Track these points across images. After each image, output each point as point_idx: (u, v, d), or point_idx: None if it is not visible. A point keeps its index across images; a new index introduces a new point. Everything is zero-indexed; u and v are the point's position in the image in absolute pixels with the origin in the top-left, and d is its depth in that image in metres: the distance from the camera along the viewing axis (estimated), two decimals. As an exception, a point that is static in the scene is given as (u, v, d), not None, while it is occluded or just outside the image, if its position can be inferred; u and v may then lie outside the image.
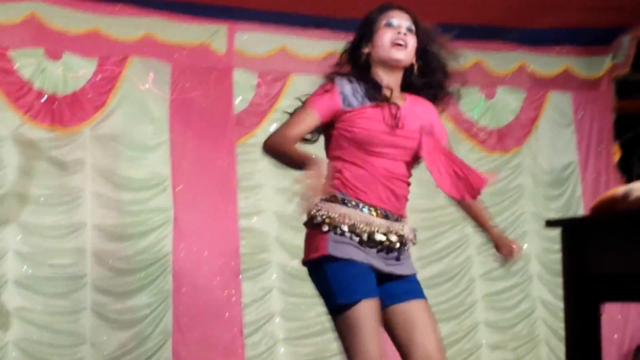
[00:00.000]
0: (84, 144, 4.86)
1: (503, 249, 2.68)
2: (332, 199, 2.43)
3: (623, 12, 5.73)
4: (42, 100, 4.82)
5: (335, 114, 2.46)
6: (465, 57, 5.93)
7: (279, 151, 2.42)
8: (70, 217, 4.81)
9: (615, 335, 5.93)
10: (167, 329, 4.96)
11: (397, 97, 2.56)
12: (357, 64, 2.54)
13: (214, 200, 5.14)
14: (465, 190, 2.55)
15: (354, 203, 2.42)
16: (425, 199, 5.76)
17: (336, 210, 2.40)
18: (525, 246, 5.96)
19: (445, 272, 5.75)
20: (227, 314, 5.07)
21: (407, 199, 2.56)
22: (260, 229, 5.25)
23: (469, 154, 5.95)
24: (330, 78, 2.50)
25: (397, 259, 2.48)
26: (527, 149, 6.11)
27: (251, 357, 5.11)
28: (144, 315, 4.91)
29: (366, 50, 2.53)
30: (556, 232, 5.43)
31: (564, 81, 6.27)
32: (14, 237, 4.66)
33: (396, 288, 2.46)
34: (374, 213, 2.42)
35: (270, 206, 5.25)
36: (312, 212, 2.42)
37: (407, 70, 2.59)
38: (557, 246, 6.52)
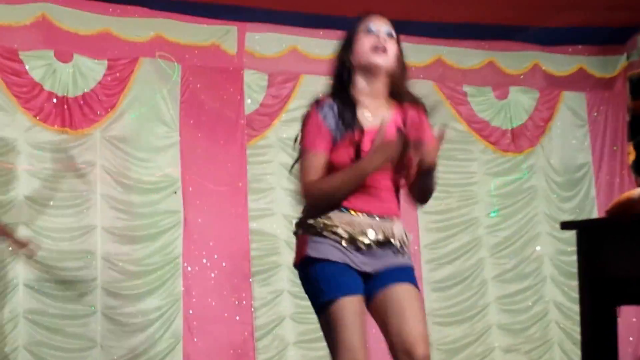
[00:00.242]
0: (94, 146, 4.85)
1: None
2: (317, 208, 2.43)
3: (637, 11, 5.67)
4: (53, 102, 4.81)
5: (331, 146, 2.43)
6: (478, 56, 5.99)
7: (324, 193, 2.37)
8: (80, 219, 4.80)
9: (631, 338, 5.87)
10: (177, 332, 4.95)
11: (382, 105, 2.50)
12: (339, 77, 2.52)
13: (224, 202, 5.12)
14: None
15: (343, 209, 2.40)
16: (437, 200, 5.73)
17: (318, 216, 2.40)
18: (538, 248, 5.94)
19: (457, 274, 5.72)
20: (237, 317, 5.06)
21: (395, 203, 2.48)
22: (270, 232, 5.22)
23: (482, 154, 5.92)
24: (310, 109, 2.47)
25: (389, 255, 2.43)
26: (540, 150, 6.07)
27: (262, 360, 5.10)
28: (155, 318, 4.90)
29: (347, 59, 2.51)
30: (570, 234, 5.34)
31: (578, 81, 6.23)
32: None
33: (384, 276, 2.40)
34: (357, 214, 2.40)
35: (281, 208, 5.22)
36: (297, 221, 2.45)
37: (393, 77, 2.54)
38: (571, 248, 6.51)
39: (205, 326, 4.99)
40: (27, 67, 4.76)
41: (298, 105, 5.03)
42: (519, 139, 6.03)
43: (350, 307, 2.30)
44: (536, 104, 6.10)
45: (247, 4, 5.21)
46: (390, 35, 2.51)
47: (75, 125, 4.84)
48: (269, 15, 5.32)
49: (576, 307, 5.77)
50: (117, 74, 5.00)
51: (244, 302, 5.06)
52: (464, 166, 5.87)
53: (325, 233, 2.37)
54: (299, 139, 2.48)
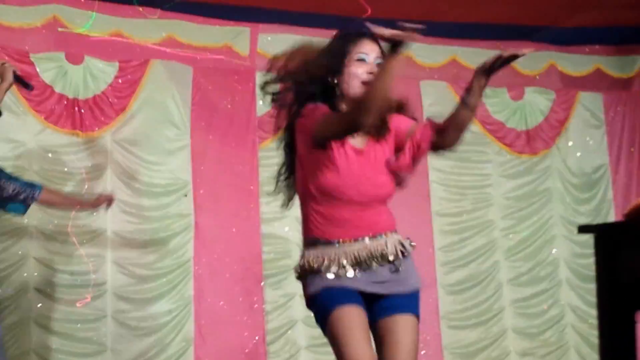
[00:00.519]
0: (104, 149, 4.82)
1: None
2: (306, 243, 2.53)
3: (656, 11, 5.61)
4: (64, 104, 4.79)
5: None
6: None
7: (332, 123, 2.41)
8: (90, 223, 4.77)
9: (649, 343, 5.79)
10: (188, 336, 4.91)
11: (359, 135, 2.53)
12: (324, 92, 2.53)
13: (235, 205, 5.09)
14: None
15: (322, 241, 2.48)
16: (451, 203, 5.69)
17: (310, 255, 2.49)
18: (554, 251, 5.88)
19: (472, 277, 5.67)
20: (249, 320, 5.02)
21: (384, 218, 2.53)
22: (282, 235, 5.19)
23: (497, 156, 5.87)
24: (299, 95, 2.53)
25: (388, 275, 2.48)
26: (556, 151, 6.02)
27: (273, 364, 5.06)
28: (165, 322, 4.87)
29: (335, 81, 2.53)
30: (586, 237, 5.28)
31: (594, 81, 6.18)
32: (35, 244, 4.63)
33: (386, 303, 2.47)
34: (345, 242, 2.47)
35: (293, 211, 5.13)
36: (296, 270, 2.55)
37: None
38: (587, 251, 6.43)
39: (217, 330, 4.96)
40: (38, 70, 4.74)
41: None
42: (535, 141, 5.98)
43: (349, 315, 2.36)
44: (552, 104, 6.06)
45: (259, 4, 5.18)
46: (378, 63, 2.51)
47: (86, 127, 4.82)
48: (282, 16, 5.29)
49: (592, 311, 5.75)
50: (128, 76, 4.97)
51: (256, 306, 5.02)
52: (478, 168, 5.83)
53: (321, 272, 2.44)
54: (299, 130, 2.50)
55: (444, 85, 5.71)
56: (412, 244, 2.57)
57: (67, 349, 4.64)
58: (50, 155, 4.72)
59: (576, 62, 6.14)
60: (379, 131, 2.54)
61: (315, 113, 2.47)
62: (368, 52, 2.52)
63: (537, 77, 6.06)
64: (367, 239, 2.47)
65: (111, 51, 4.95)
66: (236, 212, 5.08)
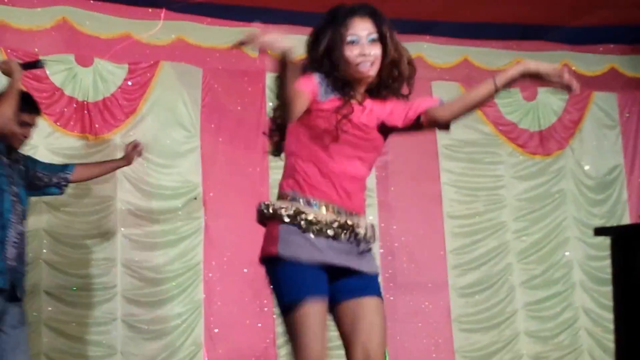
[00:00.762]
0: (114, 152, 4.79)
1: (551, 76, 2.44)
2: (283, 196, 2.50)
3: (671, 9, 5.55)
4: (73, 107, 4.78)
5: (312, 101, 2.47)
6: (506, 57, 5.90)
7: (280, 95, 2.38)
8: (100, 226, 4.76)
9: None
10: (198, 340, 4.89)
11: (360, 100, 2.56)
12: (324, 68, 2.52)
13: (246, 208, 5.00)
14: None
15: (304, 200, 2.46)
16: (463, 205, 5.65)
17: (288, 205, 2.46)
18: (567, 253, 5.84)
19: (484, 280, 5.63)
20: (259, 324, 5.00)
21: (362, 197, 2.58)
22: (292, 238, 5.14)
23: (510, 157, 5.83)
24: (305, 70, 2.50)
25: (355, 253, 2.51)
26: (570, 152, 5.96)
27: (284, 368, 5.03)
28: (175, 325, 4.84)
29: (331, 62, 2.52)
30: (600, 239, 5.21)
31: (609, 81, 6.12)
32: (44, 247, 4.62)
33: (351, 283, 2.49)
34: (325, 208, 2.46)
35: (303, 215, 5.15)
36: (262, 208, 2.50)
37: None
38: (601, 253, 6.37)
39: (227, 333, 4.94)
40: (47, 72, 4.72)
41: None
42: (548, 141, 5.93)
43: (315, 312, 2.37)
44: (565, 105, 6.00)
45: (268, 5, 5.15)
46: (372, 40, 2.51)
47: (96, 130, 4.81)
48: (292, 17, 5.25)
49: (606, 314, 5.71)
50: (138, 78, 4.96)
51: (266, 309, 4.99)
52: (490, 169, 5.78)
53: (297, 225, 2.40)
54: None
55: (455, 86, 5.66)
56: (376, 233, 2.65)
57: (77, 351, 4.63)
58: (59, 158, 4.71)
59: (590, 62, 6.08)
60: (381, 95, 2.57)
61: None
62: (358, 32, 2.50)
63: (551, 77, 6.01)
64: (346, 211, 2.48)
65: (121, 53, 4.94)
66: (246, 215, 4.98)
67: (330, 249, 2.44)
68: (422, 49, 5.69)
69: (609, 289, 4.92)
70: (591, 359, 5.75)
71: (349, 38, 2.49)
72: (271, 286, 2.48)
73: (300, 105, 2.39)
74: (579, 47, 6.02)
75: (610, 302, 5.35)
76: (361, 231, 2.50)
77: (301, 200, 2.45)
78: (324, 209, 2.45)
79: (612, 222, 5.84)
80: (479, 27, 5.68)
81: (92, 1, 4.92)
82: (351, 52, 2.49)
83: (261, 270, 5.11)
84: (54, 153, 4.68)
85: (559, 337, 5.73)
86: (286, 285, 2.41)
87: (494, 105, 5.84)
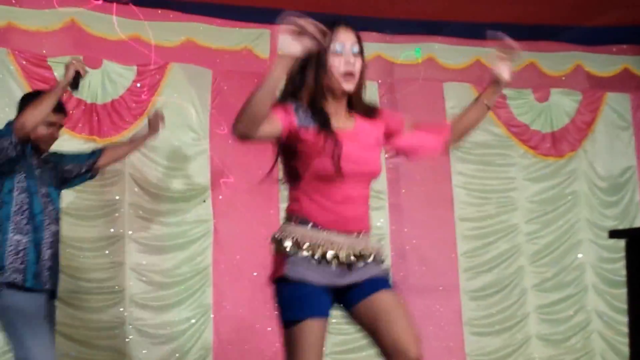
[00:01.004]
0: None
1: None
2: (291, 220, 2.51)
3: (685, 9, 5.49)
4: (82, 109, 4.76)
5: (292, 130, 2.44)
6: (518, 57, 5.85)
7: (243, 109, 2.31)
8: (108, 229, 4.73)
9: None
10: (207, 344, 4.86)
11: (345, 119, 2.54)
12: (304, 87, 2.49)
13: (255, 210, 5.03)
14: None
15: (311, 224, 2.47)
16: (475, 207, 5.61)
17: (295, 231, 2.47)
18: (579, 255, 5.79)
19: (496, 283, 5.59)
20: (269, 327, 4.96)
21: (365, 217, 2.57)
22: (303, 240, 5.12)
23: (521, 159, 5.79)
24: (280, 100, 2.48)
25: (362, 267, 2.52)
26: (582, 154, 5.92)
27: (294, 372, 4.99)
28: (184, 329, 4.82)
29: (313, 75, 2.48)
30: (613, 241, 5.13)
31: (622, 81, 6.09)
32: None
33: (361, 288, 2.50)
34: (331, 233, 2.48)
35: (314, 217, 5.11)
36: (275, 234, 2.52)
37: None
38: (614, 255, 6.30)
39: (236, 337, 4.91)
40: (55, 74, 4.70)
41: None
42: (560, 143, 5.89)
43: (314, 330, 2.41)
44: (578, 106, 5.96)
45: (279, 6, 5.10)
46: (355, 53, 2.49)
47: (104, 133, 4.78)
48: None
49: (619, 317, 5.65)
50: (147, 80, 4.93)
51: (276, 313, 4.95)
52: (502, 171, 5.75)
53: (303, 251, 2.43)
54: None
55: (467, 87, 5.62)
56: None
57: (86, 356, 4.61)
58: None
59: (603, 62, 6.04)
60: (367, 112, 2.57)
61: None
62: (343, 42, 2.48)
63: (563, 77, 5.98)
64: (353, 235, 2.49)
65: (129, 54, 4.91)
66: (256, 218, 5.01)
67: (335, 272, 2.47)
68: (433, 50, 5.65)
69: (622, 292, 4.87)
70: (603, 362, 5.72)
71: (335, 47, 2.46)
72: (277, 302, 2.51)
73: (266, 129, 2.34)
74: (592, 47, 5.99)
75: (623, 305, 5.33)
76: (369, 258, 2.51)
77: (307, 225, 2.46)
78: (327, 234, 2.45)
79: (625, 224, 5.80)
80: (491, 28, 5.61)
81: (100, 2, 4.89)
82: (336, 63, 2.46)
83: (271, 274, 5.11)
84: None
85: (571, 340, 5.68)
86: (289, 304, 2.46)
87: (506, 107, 5.79)
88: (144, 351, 4.71)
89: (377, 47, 5.47)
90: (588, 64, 6.00)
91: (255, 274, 4.93)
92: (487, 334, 5.52)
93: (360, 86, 2.55)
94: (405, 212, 5.43)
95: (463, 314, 5.47)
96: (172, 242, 4.86)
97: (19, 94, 4.62)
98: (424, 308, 5.28)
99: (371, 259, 2.52)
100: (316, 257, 2.43)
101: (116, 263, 4.73)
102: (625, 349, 5.59)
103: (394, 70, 5.56)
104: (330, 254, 2.44)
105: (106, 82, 4.84)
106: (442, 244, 5.46)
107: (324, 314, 2.46)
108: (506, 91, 5.83)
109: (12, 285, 3.32)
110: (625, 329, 5.47)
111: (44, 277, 3.41)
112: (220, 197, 5.01)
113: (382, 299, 2.46)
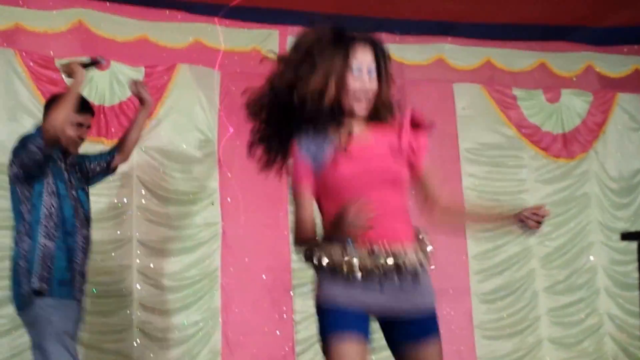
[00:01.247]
0: (130, 157, 4.73)
1: (529, 218, 2.43)
2: (325, 238, 2.43)
3: (697, 9, 5.44)
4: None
5: (313, 173, 2.46)
6: (529, 58, 5.82)
7: (309, 239, 2.43)
8: (115, 232, 4.70)
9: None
10: (216, 348, 4.83)
11: (360, 130, 2.47)
12: (316, 106, 2.42)
13: (264, 213, 5.00)
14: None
15: (345, 240, 2.37)
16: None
17: (328, 251, 2.38)
18: (591, 258, 5.74)
19: (507, 286, 5.56)
20: (278, 331, 4.94)
21: (405, 225, 2.47)
22: (312, 243, 5.08)
23: (532, 160, 5.75)
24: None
25: (401, 288, 2.40)
26: (594, 155, 5.90)
27: (303, 375, 4.97)
28: (192, 333, 4.78)
29: (332, 91, 2.39)
30: (625, 243, 5.09)
31: (633, 82, 6.07)
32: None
33: (407, 328, 2.44)
34: (362, 249, 2.38)
35: (323, 220, 5.07)
36: (311, 256, 2.44)
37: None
38: (626, 258, 6.25)
39: (245, 341, 4.88)
40: (63, 75, 4.66)
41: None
42: (572, 144, 5.85)
43: (351, 346, 2.34)
44: (589, 107, 5.94)
45: (288, 7, 5.08)
46: (371, 71, 2.40)
47: (112, 135, 4.75)
48: (311, 19, 5.17)
49: (632, 320, 5.58)
50: (155, 82, 4.90)
51: (285, 316, 4.93)
52: (513, 173, 5.72)
53: (337, 270, 2.36)
54: None
55: (477, 88, 5.59)
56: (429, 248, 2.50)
57: (93, 360, 4.59)
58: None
59: (614, 63, 6.01)
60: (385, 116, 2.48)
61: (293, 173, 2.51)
62: (361, 61, 2.39)
63: (574, 78, 5.94)
64: (385, 245, 2.38)
65: (137, 55, 4.88)
66: (264, 221, 4.98)
67: (374, 290, 2.38)
68: (443, 51, 5.62)
69: (634, 294, 4.82)
70: (616, 365, 5.67)
71: (352, 65, 2.37)
72: (317, 315, 2.46)
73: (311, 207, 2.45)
74: (603, 48, 5.97)
75: (635, 308, 5.30)
76: (417, 267, 2.42)
77: (340, 241, 2.37)
78: (360, 250, 2.37)
79: (637, 226, 5.77)
80: (502, 28, 5.60)
81: (108, 3, 4.87)
82: (354, 83, 2.38)
83: (279, 277, 5.08)
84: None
85: (583, 343, 5.65)
86: (324, 322, 2.40)
87: (517, 108, 5.76)
88: (151, 355, 4.68)
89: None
90: (599, 64, 5.97)
91: (264, 277, 4.91)
92: (499, 338, 5.48)
93: (379, 102, 2.45)
94: (415, 215, 5.38)
95: (474, 317, 5.43)
96: (180, 245, 4.83)
97: (26, 96, 4.61)
98: (434, 311, 5.23)
99: (410, 273, 2.41)
100: (348, 275, 2.38)
101: (124, 266, 4.69)
102: (638, 352, 5.52)
103: (404, 71, 5.52)
104: (362, 266, 2.38)
105: (114, 84, 4.81)
106: (452, 247, 5.40)
107: (357, 329, 2.40)
108: (517, 92, 5.79)
109: (39, 293, 3.27)
110: (637, 332, 5.45)
111: (76, 284, 3.39)
112: (229, 199, 4.97)
113: (424, 352, 2.44)
